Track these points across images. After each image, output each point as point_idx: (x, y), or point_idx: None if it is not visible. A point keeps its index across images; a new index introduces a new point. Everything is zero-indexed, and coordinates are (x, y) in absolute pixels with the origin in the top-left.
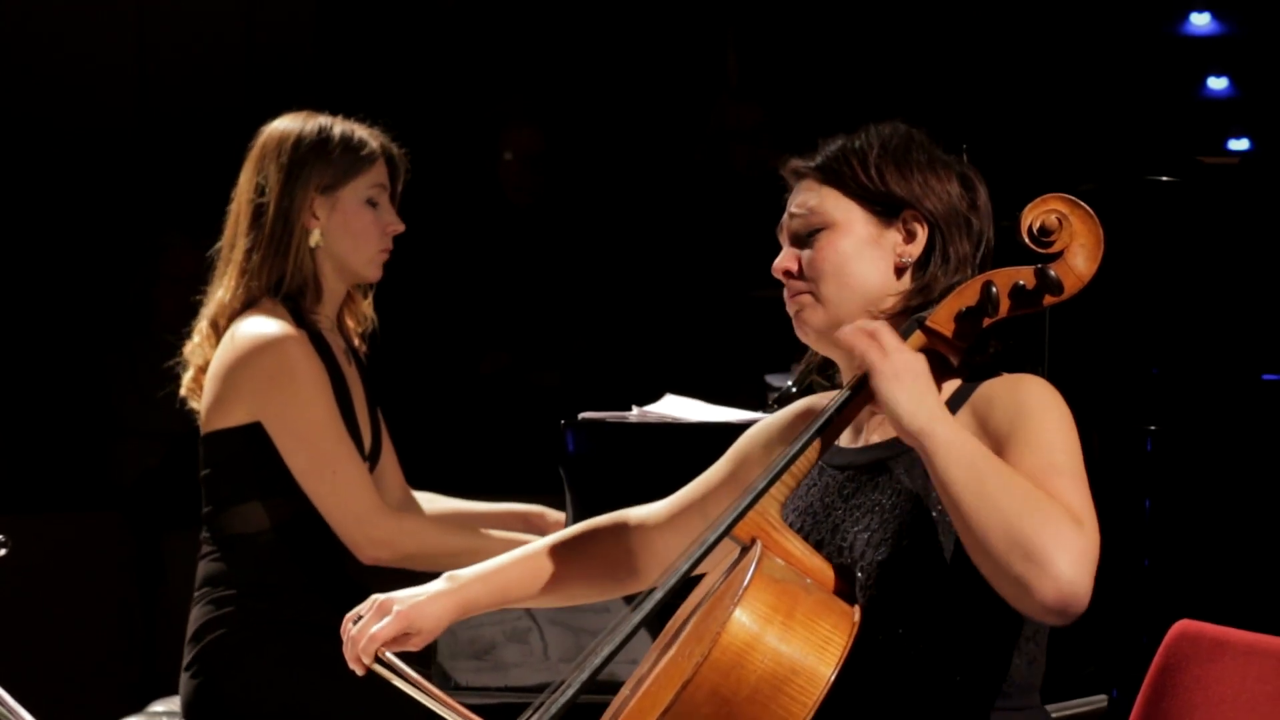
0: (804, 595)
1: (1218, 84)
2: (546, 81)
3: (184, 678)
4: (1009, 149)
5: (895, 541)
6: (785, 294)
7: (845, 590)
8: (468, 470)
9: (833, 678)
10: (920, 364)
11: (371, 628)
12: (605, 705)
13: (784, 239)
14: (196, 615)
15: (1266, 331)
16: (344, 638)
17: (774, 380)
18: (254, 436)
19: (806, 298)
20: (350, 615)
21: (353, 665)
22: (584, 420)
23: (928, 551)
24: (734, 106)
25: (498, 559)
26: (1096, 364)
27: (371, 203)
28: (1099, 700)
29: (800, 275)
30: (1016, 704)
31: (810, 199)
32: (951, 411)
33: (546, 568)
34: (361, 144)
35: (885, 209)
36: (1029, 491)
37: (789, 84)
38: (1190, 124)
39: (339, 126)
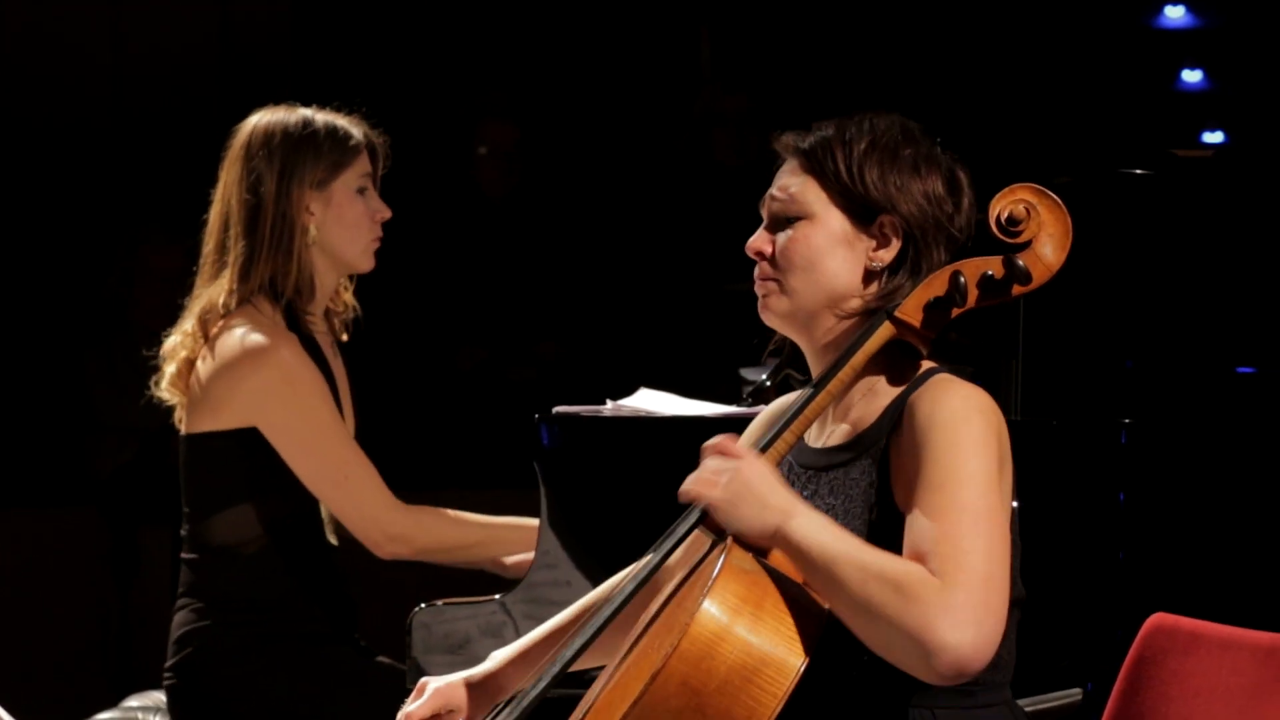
0: (773, 587)
1: (1192, 77)
2: (521, 76)
3: (166, 680)
4: (984, 141)
5: None
6: (755, 274)
7: None
8: (443, 464)
9: (802, 669)
10: (755, 468)
11: (408, 707)
12: (574, 699)
13: (764, 214)
14: (179, 621)
15: (1241, 324)
16: None
17: (748, 374)
18: (245, 440)
19: (772, 285)
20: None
21: None
22: (558, 414)
23: None
24: (718, 95)
25: (529, 636)
26: (1070, 357)
27: (361, 191)
28: (1073, 694)
29: (771, 260)
30: (983, 701)
31: (793, 184)
32: (893, 418)
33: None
34: (347, 134)
35: (862, 211)
36: (883, 573)
37: (764, 74)
38: (1165, 117)
39: (321, 118)
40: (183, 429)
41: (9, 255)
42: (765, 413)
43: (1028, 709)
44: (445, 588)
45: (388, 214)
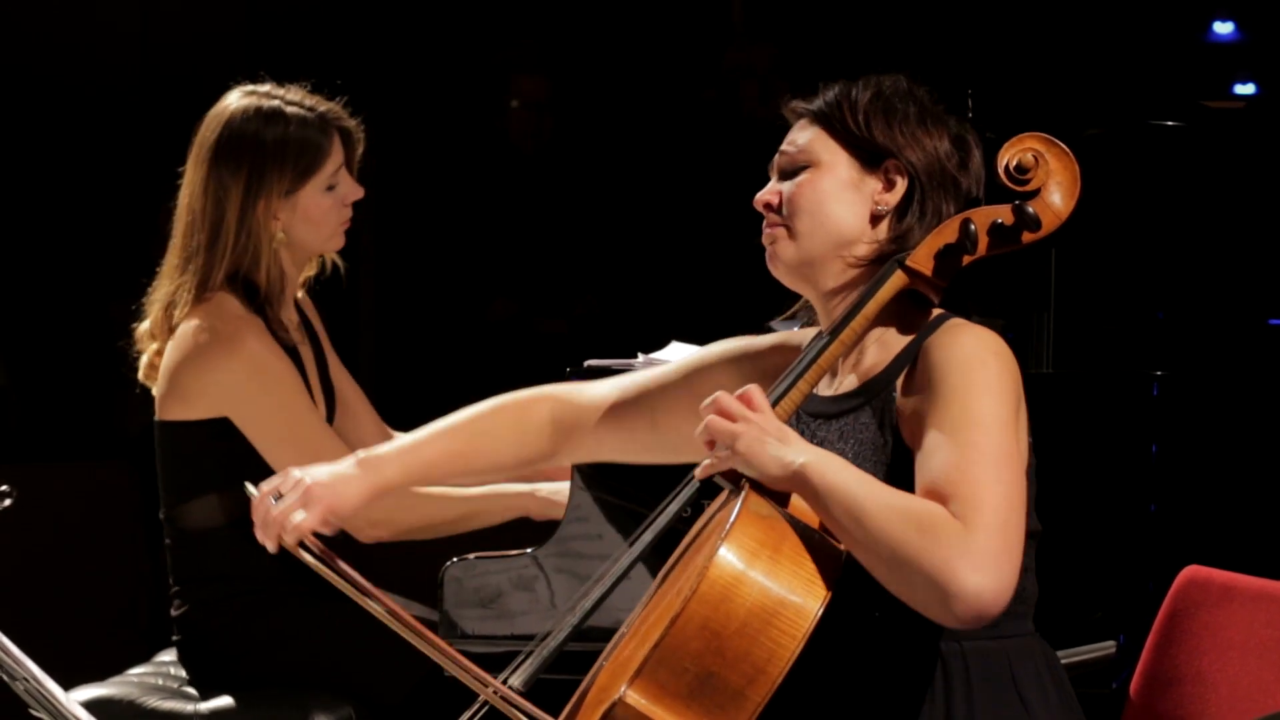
0: (790, 531)
1: (1224, 28)
2: (553, 29)
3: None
4: (1014, 94)
5: None
6: (763, 226)
7: None
8: None
9: (820, 612)
10: (766, 421)
11: (295, 516)
12: (595, 652)
13: (773, 174)
14: (176, 605)
15: (1272, 276)
16: (258, 515)
17: (778, 327)
18: (218, 430)
19: (780, 231)
20: (268, 491)
21: (268, 542)
22: (590, 368)
23: None
24: (746, 47)
25: (416, 434)
26: (1102, 309)
27: (330, 188)
28: (1107, 646)
29: (779, 210)
30: (1008, 632)
31: (800, 137)
32: (903, 364)
33: (464, 440)
34: (317, 139)
35: (868, 156)
36: (906, 513)
37: (796, 25)
38: (1196, 68)
39: (292, 113)
40: (156, 416)
41: (39, 209)
42: (742, 344)
43: (1063, 660)
44: (477, 542)
45: (359, 193)
